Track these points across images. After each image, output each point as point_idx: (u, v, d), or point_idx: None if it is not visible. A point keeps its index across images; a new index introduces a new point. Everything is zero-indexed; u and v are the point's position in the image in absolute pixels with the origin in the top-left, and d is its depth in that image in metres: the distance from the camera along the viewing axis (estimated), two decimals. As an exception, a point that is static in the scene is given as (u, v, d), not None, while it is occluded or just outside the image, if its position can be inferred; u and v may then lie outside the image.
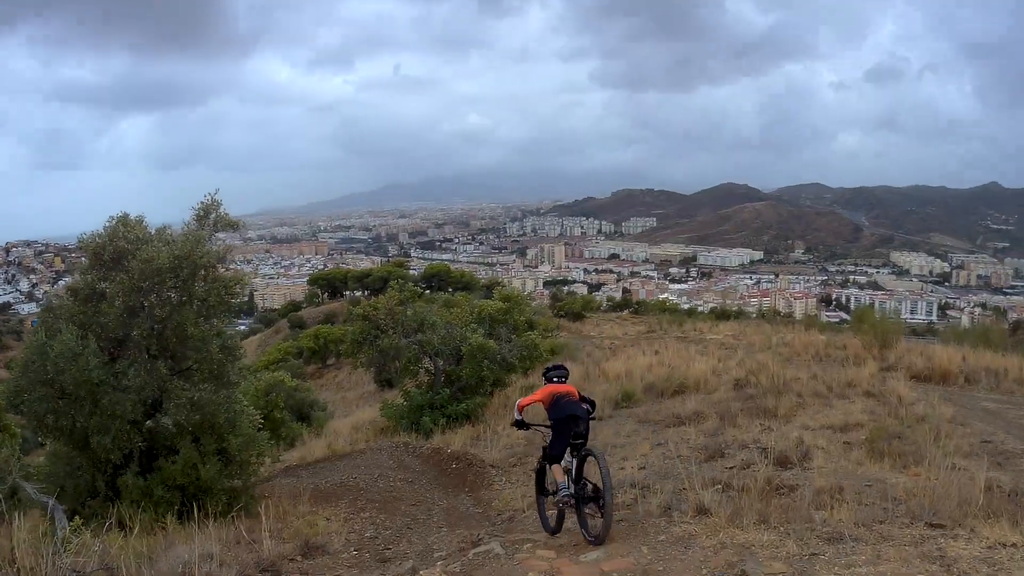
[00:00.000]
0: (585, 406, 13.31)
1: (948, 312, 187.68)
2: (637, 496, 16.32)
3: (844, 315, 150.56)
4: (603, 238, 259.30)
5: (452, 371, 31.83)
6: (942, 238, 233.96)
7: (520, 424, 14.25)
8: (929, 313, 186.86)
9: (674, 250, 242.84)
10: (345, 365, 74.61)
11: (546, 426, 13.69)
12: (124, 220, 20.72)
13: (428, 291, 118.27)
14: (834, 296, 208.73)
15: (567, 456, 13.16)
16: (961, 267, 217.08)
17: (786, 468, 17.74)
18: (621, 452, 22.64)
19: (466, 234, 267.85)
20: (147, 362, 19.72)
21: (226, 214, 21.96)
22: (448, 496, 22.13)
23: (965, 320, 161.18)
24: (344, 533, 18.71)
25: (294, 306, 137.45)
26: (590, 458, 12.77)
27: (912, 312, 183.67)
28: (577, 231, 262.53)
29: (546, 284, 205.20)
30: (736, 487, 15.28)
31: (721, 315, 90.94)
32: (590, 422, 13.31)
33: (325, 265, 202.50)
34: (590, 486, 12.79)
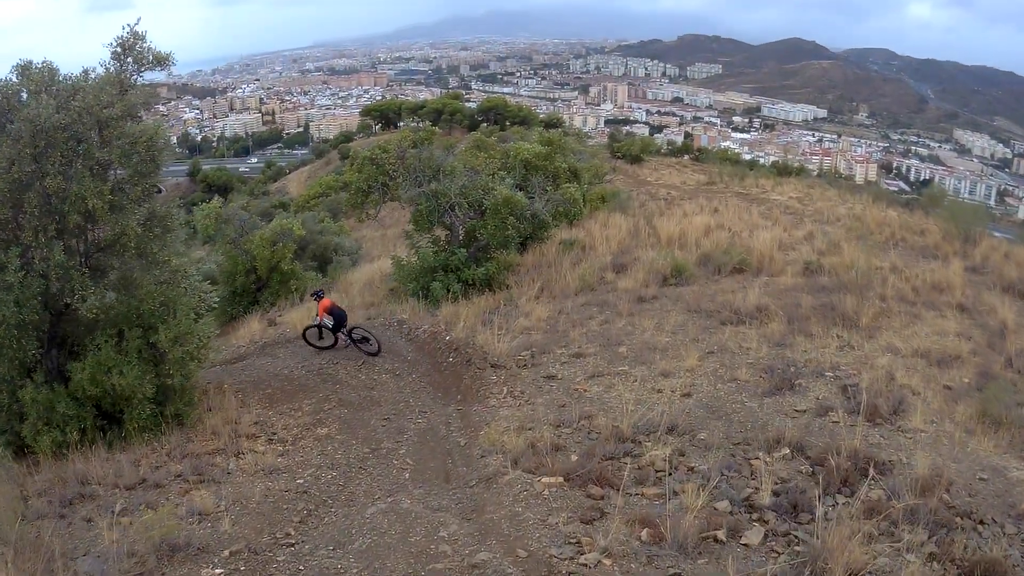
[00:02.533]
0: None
1: (1007, 199, 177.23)
2: (670, 467, 11.68)
3: (904, 185, 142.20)
4: (667, 81, 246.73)
5: (472, 227, 25.96)
6: (1007, 123, 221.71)
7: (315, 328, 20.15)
8: (988, 196, 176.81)
9: (738, 99, 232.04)
10: (388, 203, 68.92)
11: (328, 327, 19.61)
12: (25, 69, 15.53)
13: (484, 124, 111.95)
14: (895, 164, 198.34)
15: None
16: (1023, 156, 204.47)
17: (875, 423, 12.94)
18: (662, 360, 16.90)
19: (528, 69, 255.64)
20: (43, 247, 14.87)
21: (152, 48, 16.08)
22: (433, 406, 16.74)
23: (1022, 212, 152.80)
24: (279, 476, 13.48)
25: (346, 137, 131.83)
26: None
27: (971, 193, 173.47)
28: (641, 72, 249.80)
29: (607, 122, 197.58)
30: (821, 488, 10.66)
31: (783, 170, 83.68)
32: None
33: (383, 96, 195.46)
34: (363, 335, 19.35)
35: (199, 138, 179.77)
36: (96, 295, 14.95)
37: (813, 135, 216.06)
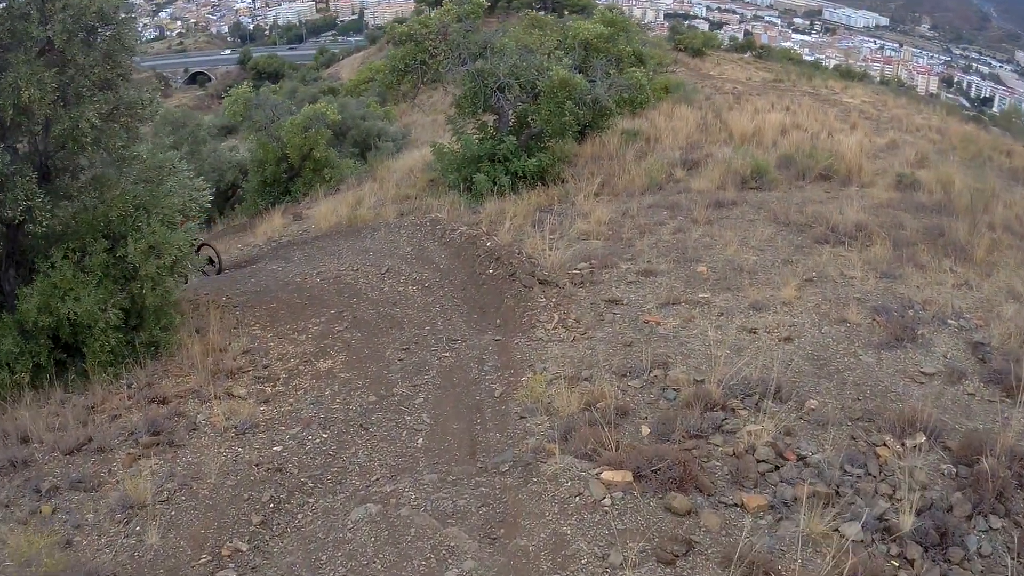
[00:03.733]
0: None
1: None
2: (776, 455, 8.66)
3: (964, 101, 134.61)
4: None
5: (524, 112, 21.98)
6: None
7: None
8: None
9: (799, 0, 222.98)
10: (440, 85, 65.06)
11: None
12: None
13: (542, 12, 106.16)
14: (956, 79, 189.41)
15: None
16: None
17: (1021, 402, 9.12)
18: (752, 286, 13.16)
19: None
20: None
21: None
22: (466, 332, 13.01)
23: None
24: (254, 437, 10.06)
25: (399, 21, 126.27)
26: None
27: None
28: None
29: (667, 16, 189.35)
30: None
31: (846, 75, 78.02)
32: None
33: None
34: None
35: (251, 27, 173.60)
36: (43, 206, 11.83)
37: (874, 42, 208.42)
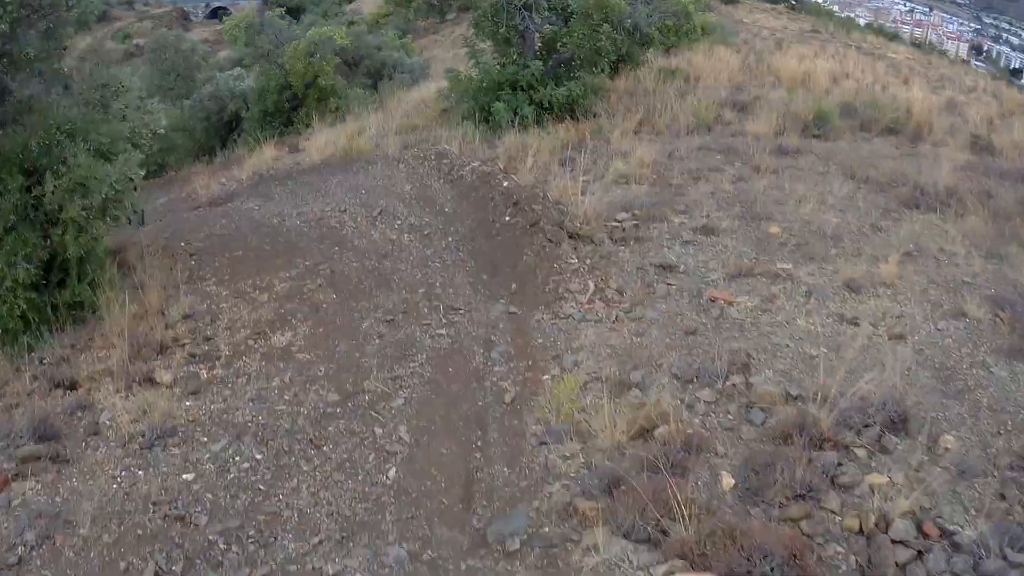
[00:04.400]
0: None
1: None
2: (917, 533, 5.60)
3: (993, 69, 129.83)
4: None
5: (553, 35, 18.53)
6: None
7: None
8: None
9: None
10: (464, 19, 61.84)
11: None
12: None
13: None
14: (985, 47, 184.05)
15: None
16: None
17: None
18: (840, 256, 10.21)
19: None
20: None
21: None
22: (471, 299, 9.91)
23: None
24: (164, 455, 6.96)
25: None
26: None
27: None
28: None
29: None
30: None
31: (878, 33, 74.03)
32: None
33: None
34: None
35: None
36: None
37: (904, 4, 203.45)
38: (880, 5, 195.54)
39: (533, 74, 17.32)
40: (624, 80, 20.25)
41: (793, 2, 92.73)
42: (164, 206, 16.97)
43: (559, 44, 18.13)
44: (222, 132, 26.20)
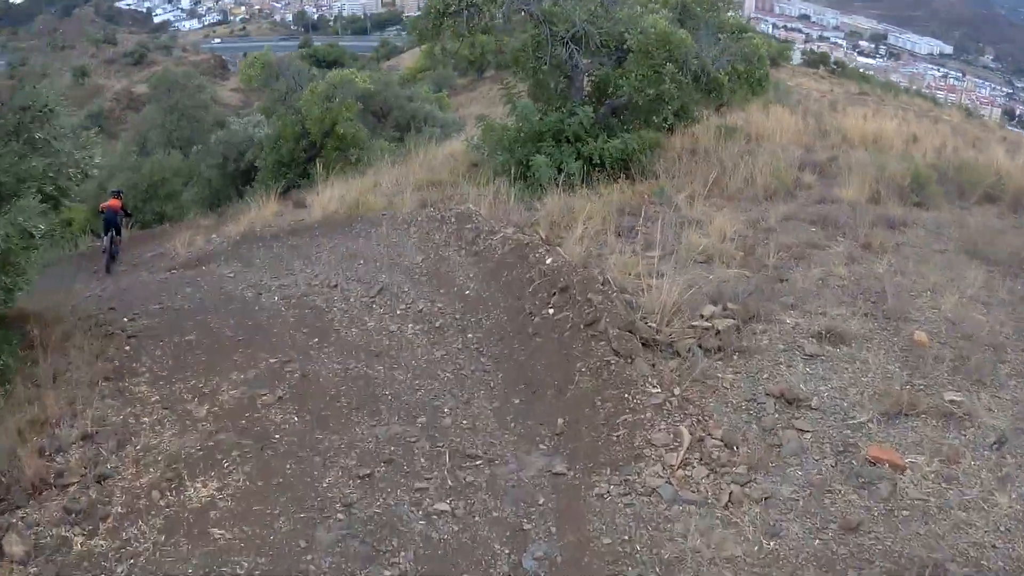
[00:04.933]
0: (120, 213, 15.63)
1: None
2: None
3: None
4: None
5: (605, 77, 15.42)
6: None
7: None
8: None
9: (864, 24, 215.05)
10: (503, 79, 59.00)
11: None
12: None
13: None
14: (1018, 112, 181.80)
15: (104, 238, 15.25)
16: None
17: None
18: (1012, 374, 7.20)
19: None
20: None
21: None
22: (497, 441, 6.60)
23: None
24: None
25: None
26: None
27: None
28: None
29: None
30: None
31: (922, 97, 71.74)
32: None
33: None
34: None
35: (315, 16, 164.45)
36: None
37: (938, 70, 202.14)
38: (915, 70, 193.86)
39: (581, 123, 14.20)
40: (680, 137, 17.09)
41: (833, 67, 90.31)
42: (132, 265, 13.92)
43: (612, 88, 15.00)
44: (238, 181, 23.26)
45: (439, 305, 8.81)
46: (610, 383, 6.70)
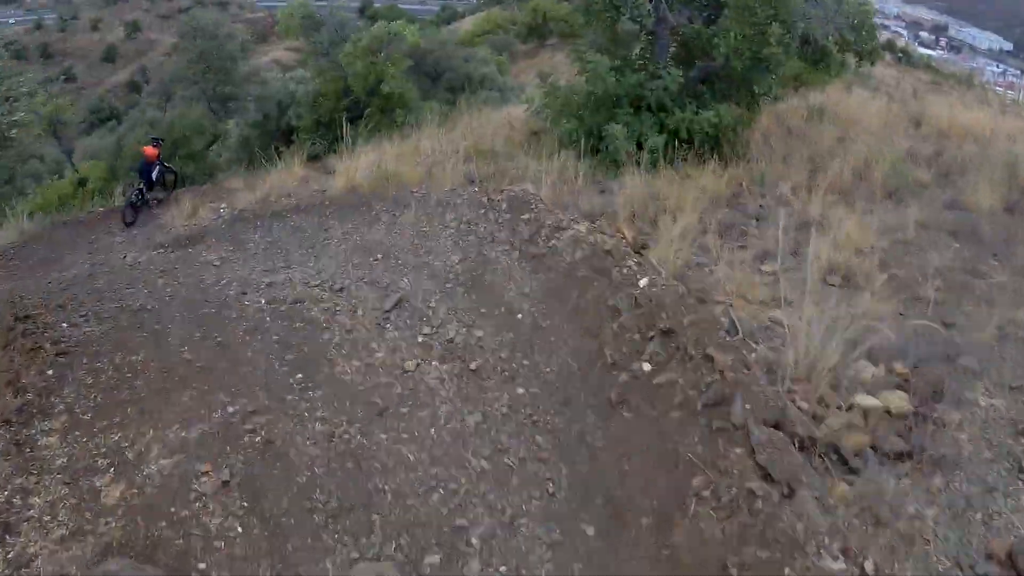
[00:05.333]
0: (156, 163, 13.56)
1: None
2: None
3: None
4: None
5: (696, 35, 12.32)
6: None
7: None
8: None
9: (926, 14, 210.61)
10: (565, 47, 56.31)
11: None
12: None
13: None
14: None
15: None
16: None
17: None
18: None
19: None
20: None
21: None
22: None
23: None
24: None
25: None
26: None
27: None
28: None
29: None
30: None
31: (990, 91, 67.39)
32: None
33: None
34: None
35: None
36: None
37: (997, 66, 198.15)
38: (975, 65, 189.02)
39: (667, 88, 11.39)
40: (765, 117, 14.19)
41: (900, 54, 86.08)
42: (121, 239, 11.37)
43: (704, 48, 12.14)
44: (279, 141, 20.66)
45: (478, 334, 6.08)
46: (754, 536, 3.85)
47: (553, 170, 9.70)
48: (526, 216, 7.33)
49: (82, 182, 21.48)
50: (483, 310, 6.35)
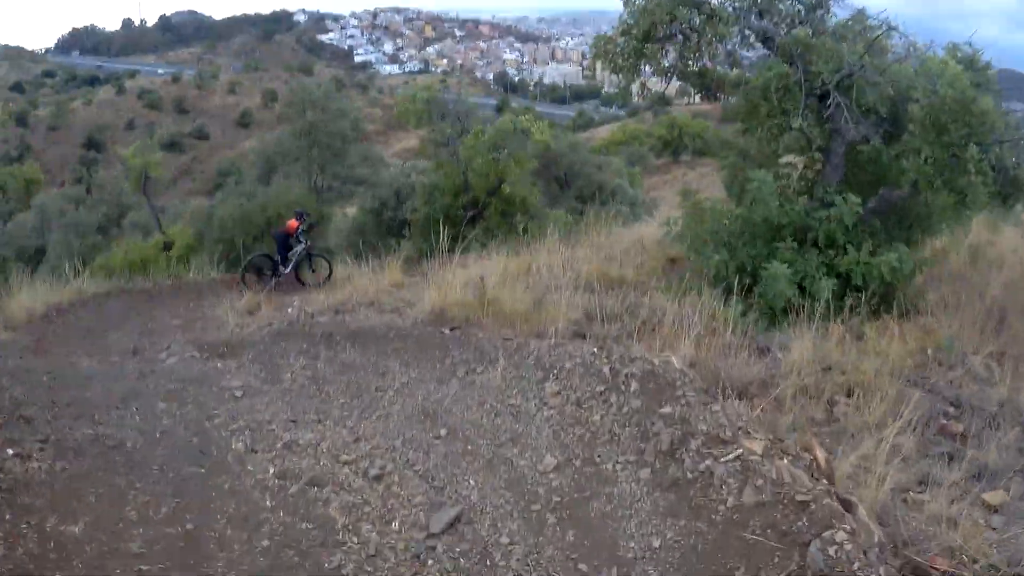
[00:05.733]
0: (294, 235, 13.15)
1: None
2: None
3: None
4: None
5: (874, 153, 9.58)
6: None
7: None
8: None
9: None
10: (699, 165, 52.62)
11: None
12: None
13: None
14: None
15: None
16: None
17: None
18: None
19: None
20: None
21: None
22: None
23: None
24: None
25: (664, 100, 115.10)
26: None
27: None
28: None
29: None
30: None
31: None
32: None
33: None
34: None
35: (516, 79, 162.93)
36: None
37: None
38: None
39: (842, 218, 8.91)
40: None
41: None
42: (169, 324, 9.38)
43: (883, 172, 9.70)
44: (392, 232, 18.71)
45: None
46: None
47: (697, 318, 7.23)
48: (667, 410, 4.77)
49: (167, 246, 20.01)
50: (583, 567, 3.89)
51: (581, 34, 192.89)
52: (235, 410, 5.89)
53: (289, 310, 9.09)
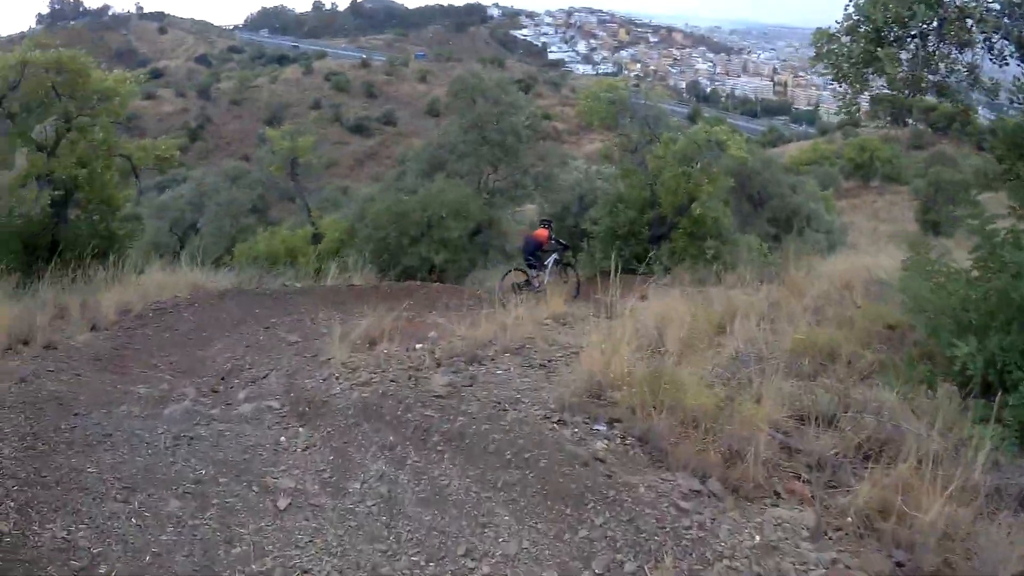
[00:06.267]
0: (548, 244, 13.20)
1: None
2: None
3: None
4: None
5: None
6: None
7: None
8: None
9: None
10: (889, 191, 49.72)
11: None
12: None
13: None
14: None
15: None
16: None
17: None
18: None
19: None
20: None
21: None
22: None
23: None
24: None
25: (853, 121, 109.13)
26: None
27: None
28: None
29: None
30: None
31: None
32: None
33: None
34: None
35: (708, 90, 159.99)
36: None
37: None
38: None
39: None
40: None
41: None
42: (280, 343, 7.51)
43: None
44: (575, 239, 16.79)
45: None
46: None
47: (936, 427, 4.70)
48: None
49: (316, 238, 18.73)
50: None
51: (773, 48, 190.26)
52: (267, 535, 3.92)
53: (418, 346, 6.94)
